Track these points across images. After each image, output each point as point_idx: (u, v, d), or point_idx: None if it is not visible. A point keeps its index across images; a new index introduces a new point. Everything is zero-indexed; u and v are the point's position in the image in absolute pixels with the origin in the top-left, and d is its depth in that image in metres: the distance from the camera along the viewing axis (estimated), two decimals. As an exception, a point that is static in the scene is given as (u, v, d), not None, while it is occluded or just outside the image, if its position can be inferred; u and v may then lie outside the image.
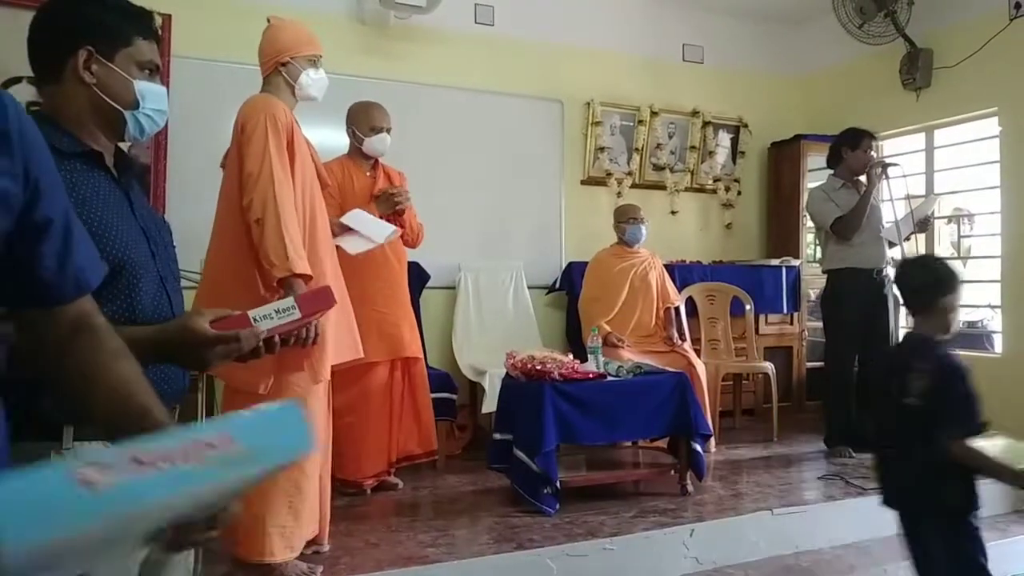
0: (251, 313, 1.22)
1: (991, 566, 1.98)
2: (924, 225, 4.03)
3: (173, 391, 1.27)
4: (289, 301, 1.28)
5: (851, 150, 4.08)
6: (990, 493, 3.55)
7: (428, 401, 3.50)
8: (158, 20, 1.32)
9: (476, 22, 4.78)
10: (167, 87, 4.23)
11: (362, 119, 3.33)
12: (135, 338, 1.07)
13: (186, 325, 1.14)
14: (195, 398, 3.05)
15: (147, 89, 1.26)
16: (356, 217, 3.04)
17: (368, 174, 3.40)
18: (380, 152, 3.37)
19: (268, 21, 2.50)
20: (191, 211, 3.32)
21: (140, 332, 1.13)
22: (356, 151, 3.39)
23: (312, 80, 2.43)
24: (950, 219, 5.23)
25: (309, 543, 2.51)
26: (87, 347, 0.94)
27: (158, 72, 1.30)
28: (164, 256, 1.30)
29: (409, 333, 3.41)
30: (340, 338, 2.43)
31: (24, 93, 2.86)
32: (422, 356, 3.56)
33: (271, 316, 1.25)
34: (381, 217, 3.19)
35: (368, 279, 3.04)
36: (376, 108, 3.36)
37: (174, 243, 1.41)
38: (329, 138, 3.57)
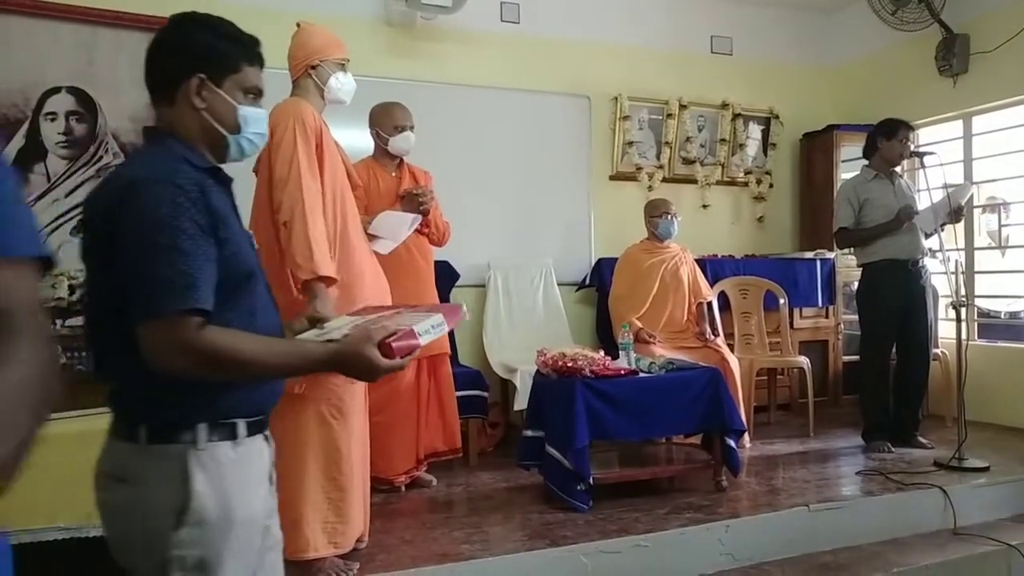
0: (417, 329, 1.29)
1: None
2: (958, 214, 3.93)
3: (275, 400, 1.36)
4: (439, 317, 1.36)
5: (886, 140, 4.00)
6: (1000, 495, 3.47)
7: (453, 398, 3.52)
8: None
9: (502, 20, 4.79)
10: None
11: (385, 119, 3.35)
12: (310, 356, 1.25)
13: (359, 352, 1.24)
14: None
15: (250, 114, 1.34)
16: (380, 224, 3.05)
17: (393, 174, 3.42)
18: (405, 151, 3.38)
19: (298, 26, 2.53)
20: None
21: (314, 351, 1.27)
22: (381, 151, 3.41)
23: (341, 83, 2.46)
24: (985, 208, 5.09)
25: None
26: None
27: (261, 95, 1.38)
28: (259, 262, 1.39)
29: None
30: None
31: (63, 103, 2.95)
32: (448, 354, 3.58)
33: (429, 331, 1.32)
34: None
35: (392, 278, 3.06)
36: (398, 107, 3.37)
37: None
38: (357, 140, 3.60)
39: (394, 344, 1.24)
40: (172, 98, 1.29)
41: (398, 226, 3.07)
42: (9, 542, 0.79)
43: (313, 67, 2.44)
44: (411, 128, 3.35)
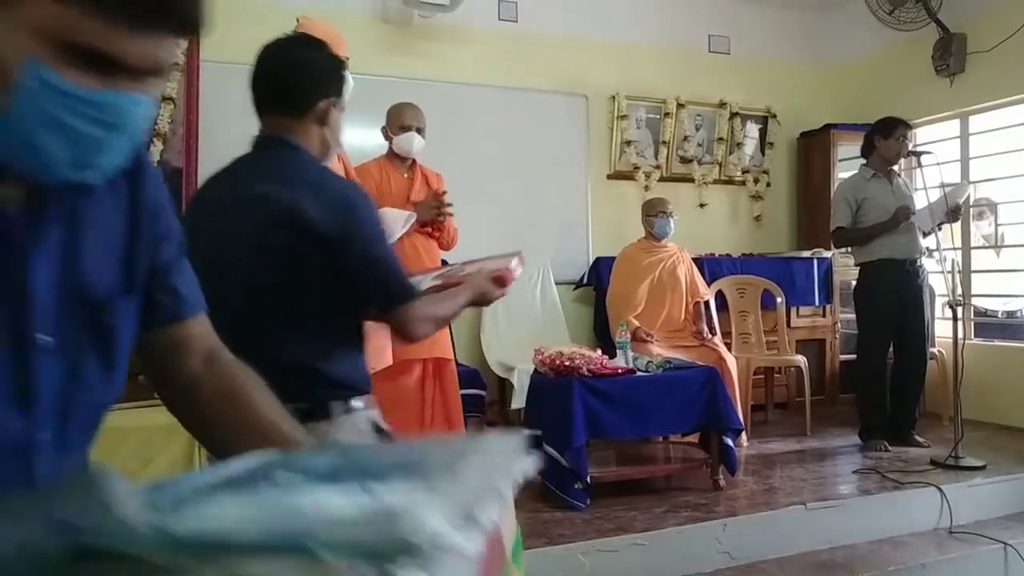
0: (511, 265, 1.71)
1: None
2: (956, 214, 3.94)
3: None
4: (517, 259, 1.73)
5: (884, 139, 4.01)
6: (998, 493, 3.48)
7: (458, 403, 3.50)
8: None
9: (500, 19, 4.78)
10: (196, 91, 4.30)
11: (393, 118, 3.31)
12: (461, 297, 1.58)
13: (482, 286, 1.63)
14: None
15: (342, 137, 1.56)
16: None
17: (405, 175, 3.37)
18: (407, 150, 3.34)
19: (297, 22, 2.52)
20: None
21: (462, 292, 1.58)
22: (391, 151, 3.37)
23: None
24: (976, 214, 5.09)
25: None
26: (226, 374, 0.93)
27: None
28: None
29: (441, 333, 3.39)
30: (377, 346, 2.44)
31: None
32: (452, 358, 3.54)
33: (517, 268, 1.73)
34: (422, 224, 3.20)
35: None
36: (408, 107, 3.31)
37: None
38: (354, 138, 3.59)
39: (505, 275, 1.65)
40: (303, 113, 1.43)
41: (393, 223, 3.06)
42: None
43: None
44: (419, 130, 3.27)
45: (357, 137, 3.63)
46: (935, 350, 4.46)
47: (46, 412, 0.72)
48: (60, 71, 0.61)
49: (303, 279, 1.35)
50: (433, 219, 3.23)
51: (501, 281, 1.64)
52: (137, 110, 0.66)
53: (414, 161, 3.40)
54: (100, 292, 0.76)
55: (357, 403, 1.40)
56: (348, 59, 2.51)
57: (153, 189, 0.84)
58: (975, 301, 5.01)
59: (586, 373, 3.12)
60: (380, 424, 1.44)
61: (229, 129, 3.76)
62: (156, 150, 3.72)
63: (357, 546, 0.52)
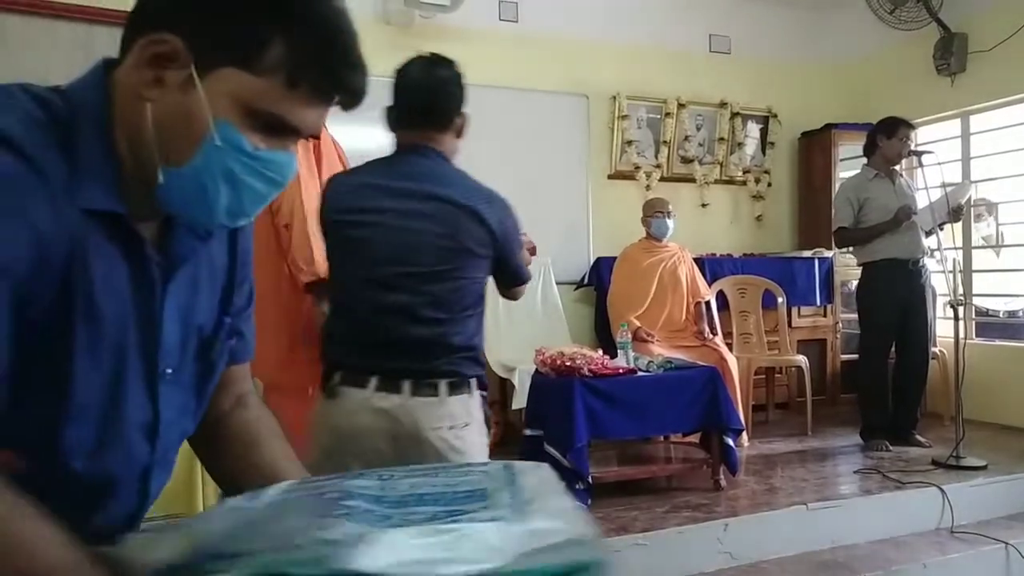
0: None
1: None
2: (958, 213, 3.94)
3: None
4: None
5: (887, 138, 4.00)
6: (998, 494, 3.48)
7: None
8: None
9: (500, 19, 4.78)
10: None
11: None
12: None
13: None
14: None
15: None
16: None
17: None
18: None
19: None
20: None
21: None
22: None
23: None
24: (977, 216, 5.08)
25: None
26: (246, 418, 0.99)
27: None
28: None
29: None
30: None
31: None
32: None
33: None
34: None
35: None
36: None
37: None
38: (355, 138, 3.60)
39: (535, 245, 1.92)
40: (448, 126, 1.65)
41: None
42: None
43: None
44: None
45: (358, 137, 3.64)
46: (936, 350, 4.46)
47: (163, 440, 0.80)
48: (250, 134, 0.69)
49: (473, 268, 1.61)
50: None
51: (532, 251, 1.90)
52: (293, 165, 0.74)
53: None
54: (209, 328, 0.84)
55: (482, 382, 1.65)
56: None
57: (246, 237, 0.91)
58: (976, 301, 5.00)
59: (587, 373, 3.12)
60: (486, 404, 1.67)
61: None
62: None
63: (552, 570, 0.57)
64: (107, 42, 3.64)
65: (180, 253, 0.78)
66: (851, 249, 4.23)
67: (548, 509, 0.70)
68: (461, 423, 1.56)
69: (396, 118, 1.67)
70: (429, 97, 1.63)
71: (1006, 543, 3.04)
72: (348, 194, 1.63)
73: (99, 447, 0.73)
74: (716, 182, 5.40)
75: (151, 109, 0.69)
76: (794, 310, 5.03)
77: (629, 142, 5.11)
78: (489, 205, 1.62)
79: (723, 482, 3.29)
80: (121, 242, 0.72)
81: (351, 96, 0.74)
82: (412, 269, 1.55)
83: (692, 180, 5.32)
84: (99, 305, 0.70)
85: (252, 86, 0.67)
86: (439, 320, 1.56)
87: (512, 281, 1.75)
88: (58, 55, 3.54)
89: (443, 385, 1.55)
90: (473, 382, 1.61)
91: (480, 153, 4.67)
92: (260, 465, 0.94)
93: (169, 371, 0.78)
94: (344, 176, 1.78)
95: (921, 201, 4.05)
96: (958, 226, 4.49)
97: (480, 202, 1.62)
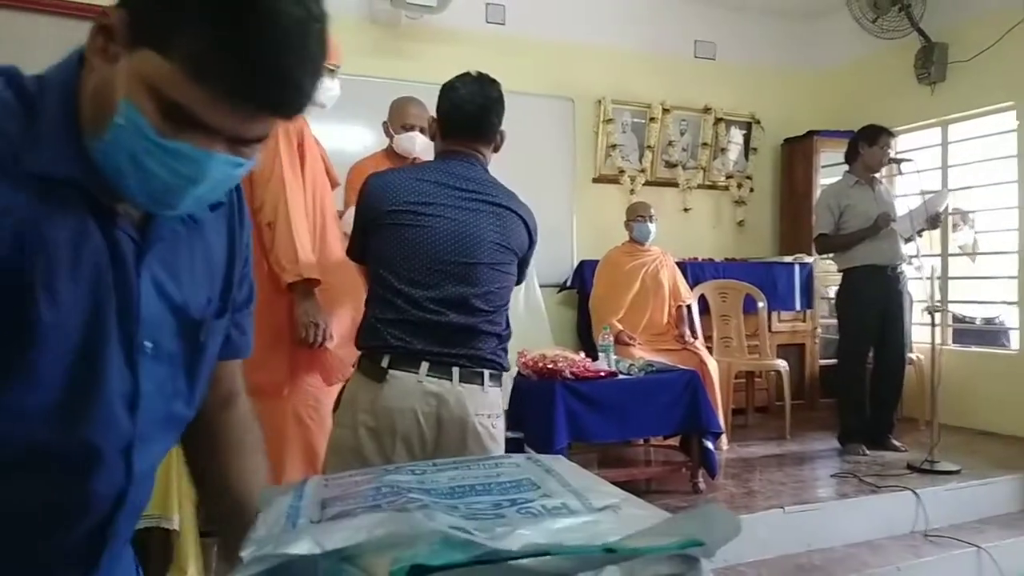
0: None
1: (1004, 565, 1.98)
2: (935, 221, 4.00)
3: None
4: None
5: (868, 146, 4.05)
6: (1003, 492, 3.53)
7: None
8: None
9: (487, 21, 4.79)
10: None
11: (396, 115, 3.19)
12: None
13: None
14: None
15: None
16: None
17: None
18: (408, 151, 3.21)
19: None
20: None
21: None
22: (391, 149, 3.26)
23: (322, 87, 2.43)
24: (954, 225, 5.15)
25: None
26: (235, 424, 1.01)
27: None
28: None
29: None
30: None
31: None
32: None
33: None
34: None
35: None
36: (413, 104, 3.20)
37: None
38: (341, 139, 3.58)
39: None
40: (489, 141, 1.83)
41: None
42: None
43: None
44: (422, 129, 3.11)
45: (344, 137, 3.63)
46: (913, 355, 4.52)
47: (145, 413, 0.80)
48: (156, 119, 0.67)
49: (513, 267, 1.78)
50: None
51: None
52: (213, 165, 0.70)
53: (415, 160, 3.31)
54: (196, 311, 0.84)
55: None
56: (339, 67, 2.51)
57: (247, 234, 0.95)
58: (953, 307, 5.07)
59: (569, 376, 3.13)
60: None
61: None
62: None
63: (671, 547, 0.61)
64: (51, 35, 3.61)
65: (157, 231, 0.78)
66: (831, 255, 4.27)
67: (612, 494, 0.73)
68: (496, 412, 1.70)
69: (448, 128, 1.82)
70: (481, 113, 1.81)
71: (978, 546, 3.08)
72: (404, 190, 1.72)
73: (72, 415, 0.74)
74: (699, 187, 5.44)
75: (91, 78, 0.71)
76: (774, 315, 5.07)
77: (614, 146, 5.13)
78: (528, 213, 1.85)
79: (702, 485, 3.32)
80: (90, 214, 0.73)
81: (271, 108, 0.71)
82: (472, 260, 1.68)
83: (675, 185, 5.35)
84: (57, 274, 0.70)
85: (161, 71, 0.65)
86: (487, 312, 1.69)
87: (518, 281, 1.89)
88: (44, 53, 3.51)
89: (486, 374, 1.68)
90: (503, 375, 1.74)
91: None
92: (234, 479, 0.95)
93: (149, 344, 0.79)
94: (391, 174, 1.85)
95: (900, 208, 4.10)
96: (936, 233, 4.55)
97: (523, 209, 1.82)
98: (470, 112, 1.81)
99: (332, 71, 2.45)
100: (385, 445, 1.61)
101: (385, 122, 3.26)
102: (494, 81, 1.87)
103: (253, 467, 0.98)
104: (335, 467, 1.64)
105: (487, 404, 1.67)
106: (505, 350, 1.76)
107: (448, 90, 1.84)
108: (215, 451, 0.97)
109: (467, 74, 1.87)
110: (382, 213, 1.71)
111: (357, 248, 1.83)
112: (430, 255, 1.67)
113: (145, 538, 2.11)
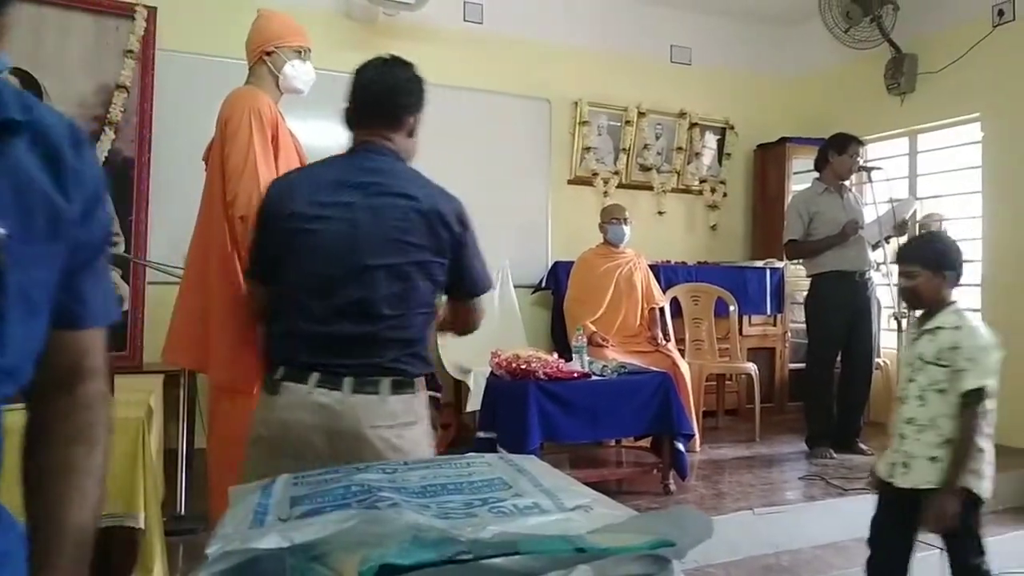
0: None
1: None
2: (903, 228, 4.07)
3: None
4: None
5: (838, 154, 4.11)
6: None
7: None
8: (143, 13, 1.50)
9: (465, 20, 4.78)
10: (151, 80, 4.16)
11: None
12: None
13: None
14: (177, 394, 3.03)
15: None
16: None
17: None
18: None
19: (258, 12, 2.48)
20: (175, 206, 3.30)
21: None
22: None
23: (296, 71, 2.40)
24: (923, 226, 5.25)
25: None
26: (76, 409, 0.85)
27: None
28: None
29: None
30: None
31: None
32: None
33: None
34: None
35: None
36: None
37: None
38: (315, 134, 3.54)
39: None
40: (399, 127, 1.69)
41: None
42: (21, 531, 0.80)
43: (268, 53, 2.38)
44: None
45: (318, 132, 3.59)
46: (880, 360, 4.59)
47: None
48: None
49: (427, 267, 1.59)
50: None
51: None
52: None
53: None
54: None
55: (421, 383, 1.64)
56: (310, 51, 2.48)
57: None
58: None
59: (542, 376, 3.13)
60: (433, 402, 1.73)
61: (184, 120, 3.71)
62: (107, 139, 3.62)
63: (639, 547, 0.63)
64: (59, 25, 3.54)
65: None
66: (801, 261, 4.33)
67: (584, 494, 0.72)
68: (403, 422, 1.55)
69: (351, 117, 1.70)
70: (387, 96, 1.68)
71: (941, 548, 3.13)
72: (300, 194, 1.59)
73: None
74: (673, 190, 5.48)
75: None
76: (745, 318, 5.13)
77: (589, 148, 5.15)
78: (448, 203, 1.64)
79: (672, 486, 3.34)
80: None
81: None
82: (371, 262, 1.54)
83: (650, 188, 5.38)
84: None
85: None
86: (391, 316, 1.54)
87: (471, 288, 1.70)
88: (50, 44, 3.51)
89: (386, 383, 1.53)
90: (419, 382, 1.60)
91: (441, 153, 4.64)
92: (47, 489, 0.82)
93: None
94: (291, 176, 1.75)
95: (868, 215, 4.16)
96: (904, 240, 4.62)
97: (438, 197, 1.64)
98: (375, 94, 1.68)
99: (299, 52, 2.42)
100: (277, 461, 1.49)
101: None
102: (407, 64, 1.73)
103: (75, 485, 0.82)
104: (243, 479, 1.53)
105: (386, 414, 1.52)
106: (417, 355, 1.59)
107: (354, 74, 1.69)
108: (37, 443, 0.83)
109: (377, 57, 1.72)
110: (278, 218, 1.59)
111: (261, 266, 1.66)
112: (323, 261, 1.54)
113: (109, 537, 2.07)
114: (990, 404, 2.07)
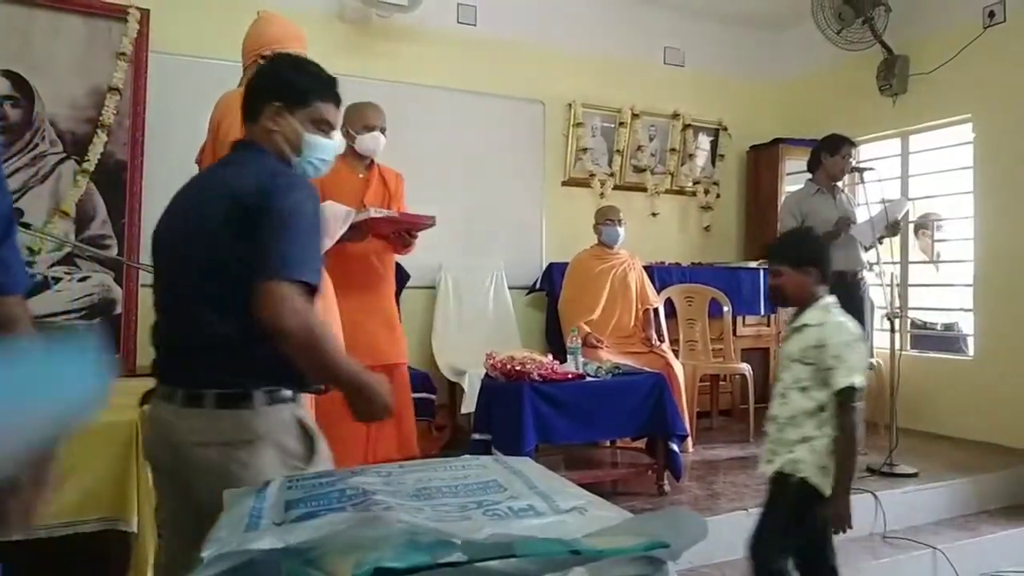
0: None
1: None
2: (895, 228, 4.08)
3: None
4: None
5: (830, 155, 4.11)
6: (959, 495, 3.61)
7: (410, 406, 3.44)
8: (136, 15, 1.51)
9: (458, 22, 4.78)
10: (144, 82, 4.15)
11: (356, 117, 3.20)
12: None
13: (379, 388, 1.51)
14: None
15: (314, 141, 1.57)
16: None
17: (361, 175, 3.29)
18: (372, 150, 3.24)
19: (258, 14, 2.47)
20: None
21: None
22: (350, 151, 3.29)
23: None
24: (918, 228, 5.28)
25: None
26: None
27: (332, 128, 1.61)
28: None
29: (387, 340, 3.30)
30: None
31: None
32: (403, 362, 3.46)
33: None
34: (388, 235, 3.13)
35: (340, 285, 2.96)
36: (370, 107, 3.25)
37: None
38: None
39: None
40: (257, 117, 1.54)
41: (332, 221, 2.95)
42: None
43: (264, 57, 2.37)
44: (382, 130, 3.21)
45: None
46: (873, 360, 4.60)
47: None
48: None
49: (232, 254, 1.38)
50: (404, 247, 3.17)
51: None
52: None
53: (372, 161, 3.34)
54: None
55: (284, 394, 1.44)
56: (304, 55, 2.47)
57: None
58: (914, 314, 5.19)
59: (536, 378, 3.13)
60: (307, 422, 1.47)
61: (177, 123, 3.70)
62: (100, 141, 3.61)
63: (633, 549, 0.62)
64: (49, 27, 3.52)
65: None
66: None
67: (578, 496, 0.73)
68: (237, 440, 1.37)
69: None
70: (244, 94, 1.63)
71: (934, 548, 3.15)
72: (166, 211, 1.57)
73: None
74: (667, 192, 5.49)
75: None
76: (739, 319, 5.13)
77: (584, 150, 5.16)
78: (255, 180, 1.41)
79: (667, 487, 3.34)
80: None
81: None
82: (184, 266, 1.44)
83: (644, 189, 5.40)
84: None
85: None
86: (210, 322, 1.38)
87: (264, 266, 1.33)
88: (42, 48, 3.50)
89: (210, 396, 1.38)
90: (259, 395, 1.39)
91: (435, 156, 4.69)
92: None
93: None
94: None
95: (861, 216, 4.17)
96: (896, 241, 4.65)
97: (245, 179, 1.42)
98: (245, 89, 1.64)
99: None
100: (153, 470, 1.53)
101: (344, 127, 3.26)
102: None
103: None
104: None
105: (213, 431, 1.37)
106: (255, 366, 1.39)
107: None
108: None
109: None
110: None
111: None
112: (157, 271, 1.52)
113: (103, 540, 2.06)
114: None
